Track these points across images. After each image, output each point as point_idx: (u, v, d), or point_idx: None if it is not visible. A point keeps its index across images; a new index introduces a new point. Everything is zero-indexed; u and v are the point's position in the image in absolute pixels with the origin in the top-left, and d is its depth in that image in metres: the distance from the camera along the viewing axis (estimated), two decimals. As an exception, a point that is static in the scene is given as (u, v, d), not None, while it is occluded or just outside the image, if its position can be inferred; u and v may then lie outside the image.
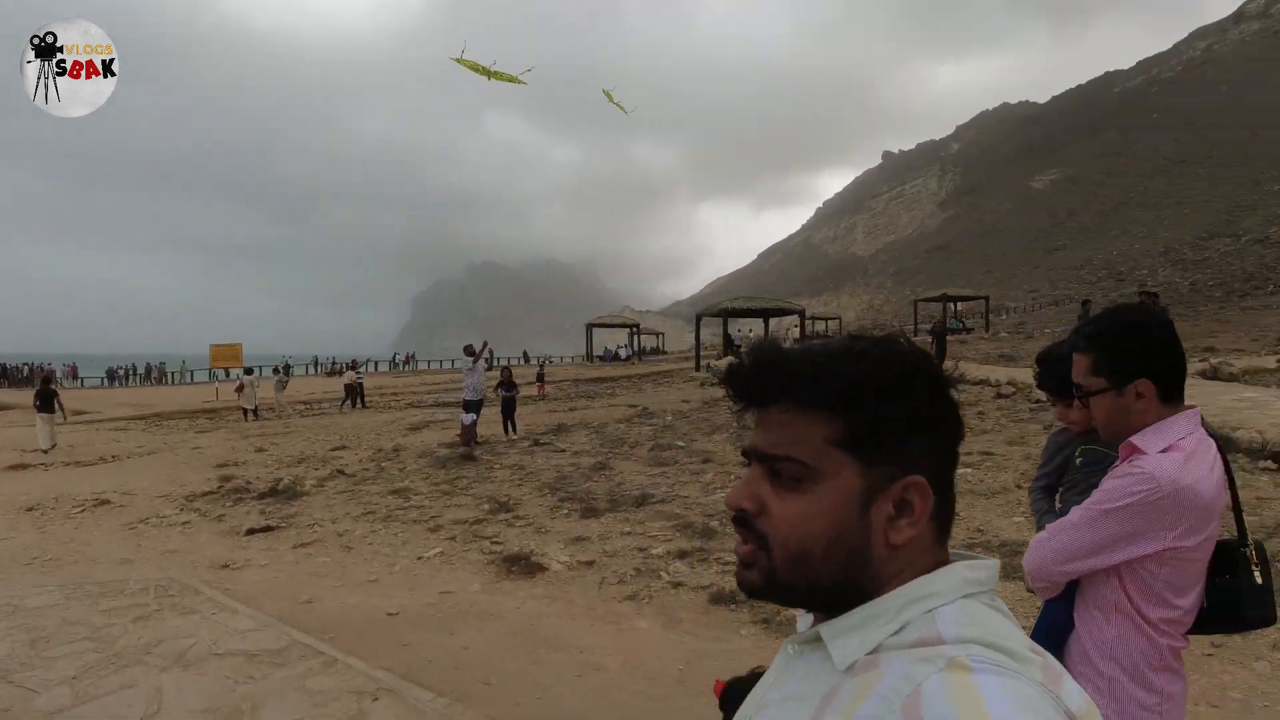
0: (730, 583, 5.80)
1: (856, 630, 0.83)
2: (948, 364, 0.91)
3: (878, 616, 0.83)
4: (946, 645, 0.77)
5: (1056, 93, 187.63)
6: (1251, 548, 1.93)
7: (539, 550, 7.26)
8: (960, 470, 0.92)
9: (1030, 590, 2.03)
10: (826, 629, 0.85)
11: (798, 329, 38.58)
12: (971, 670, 0.72)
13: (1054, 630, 1.98)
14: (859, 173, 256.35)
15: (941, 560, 0.87)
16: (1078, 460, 2.72)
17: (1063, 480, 2.83)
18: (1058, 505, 2.81)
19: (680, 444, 12.63)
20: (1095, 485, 1.92)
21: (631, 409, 18.42)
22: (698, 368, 31.53)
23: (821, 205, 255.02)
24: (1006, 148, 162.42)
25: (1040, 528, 2.47)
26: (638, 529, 7.93)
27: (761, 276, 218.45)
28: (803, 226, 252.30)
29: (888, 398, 0.84)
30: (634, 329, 55.21)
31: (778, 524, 0.85)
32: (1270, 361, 17.01)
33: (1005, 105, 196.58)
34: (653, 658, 5.04)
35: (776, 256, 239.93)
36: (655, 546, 7.24)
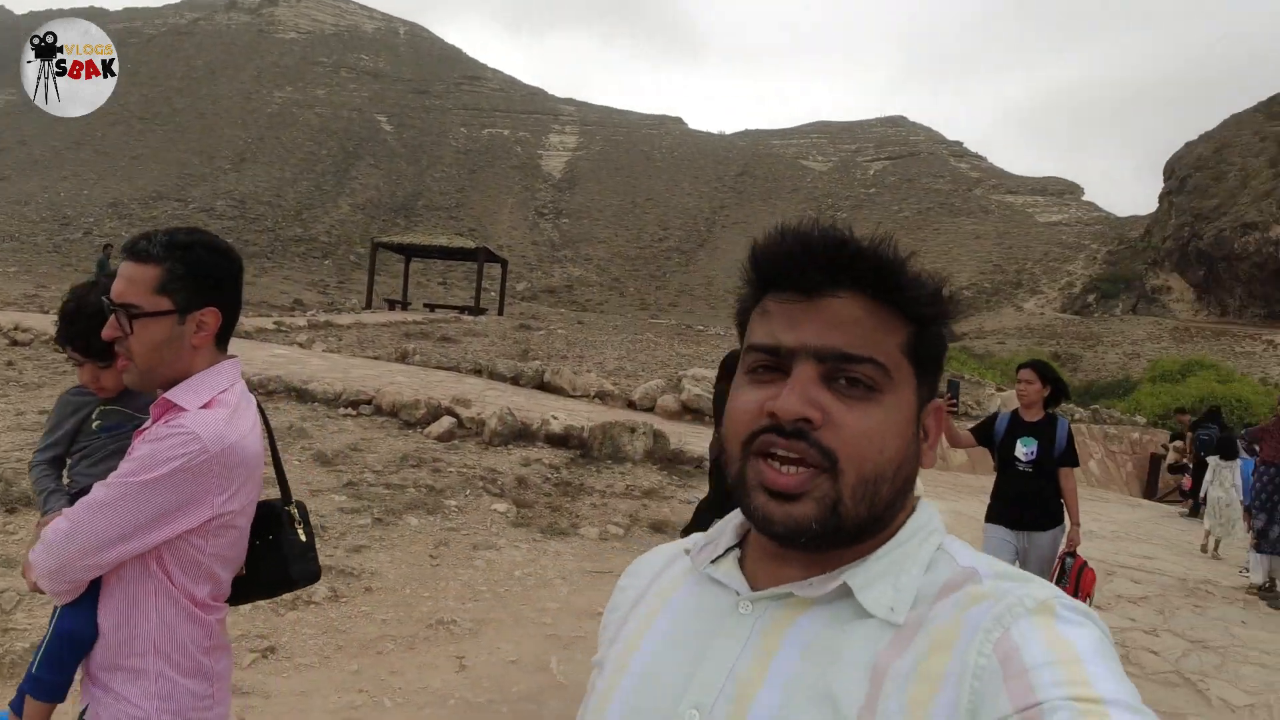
0: None
1: (888, 575, 0.75)
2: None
3: (908, 556, 0.76)
4: (985, 580, 0.72)
5: (37, 9, 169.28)
6: (295, 506, 1.89)
7: None
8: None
9: (41, 593, 1.65)
10: (855, 578, 0.74)
11: None
12: (1056, 614, 0.67)
13: (77, 643, 1.67)
14: None
15: None
16: (94, 424, 2.30)
17: (74, 449, 2.33)
18: (67, 482, 2.32)
19: None
20: (121, 452, 1.64)
21: None
22: None
23: None
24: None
25: (46, 510, 2.18)
26: None
27: None
28: None
29: (945, 310, 0.79)
30: None
31: (853, 438, 0.73)
32: (268, 323, 19.17)
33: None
34: None
35: None
36: None
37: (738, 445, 0.76)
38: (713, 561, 0.84)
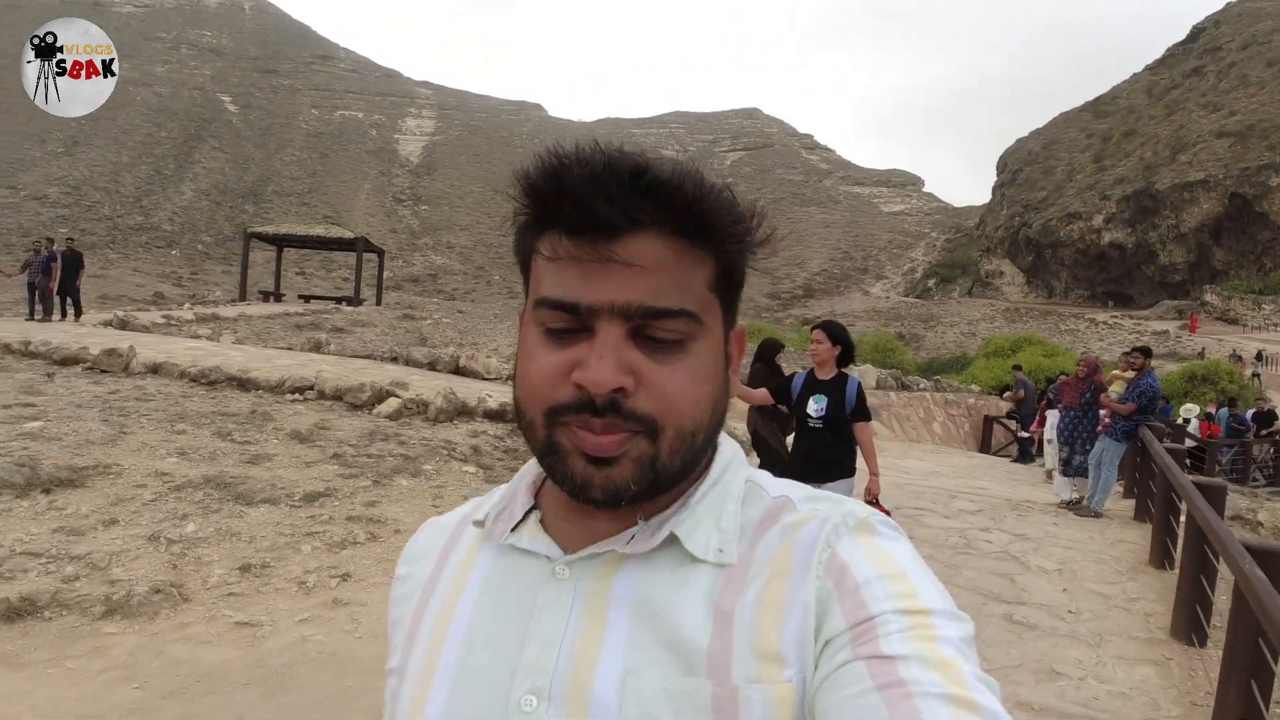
0: None
1: (709, 517, 0.72)
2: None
3: (724, 493, 0.74)
4: (800, 506, 0.73)
5: None
6: None
7: None
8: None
9: None
10: (680, 526, 0.71)
11: None
12: (876, 530, 0.69)
13: None
14: None
15: None
16: None
17: None
18: None
19: None
20: None
21: None
22: None
23: None
24: None
25: None
26: None
27: None
28: None
29: (749, 232, 0.72)
30: None
31: (669, 397, 0.68)
32: (157, 316, 19.51)
33: None
34: None
35: None
36: None
37: (540, 414, 0.69)
38: (512, 530, 0.77)
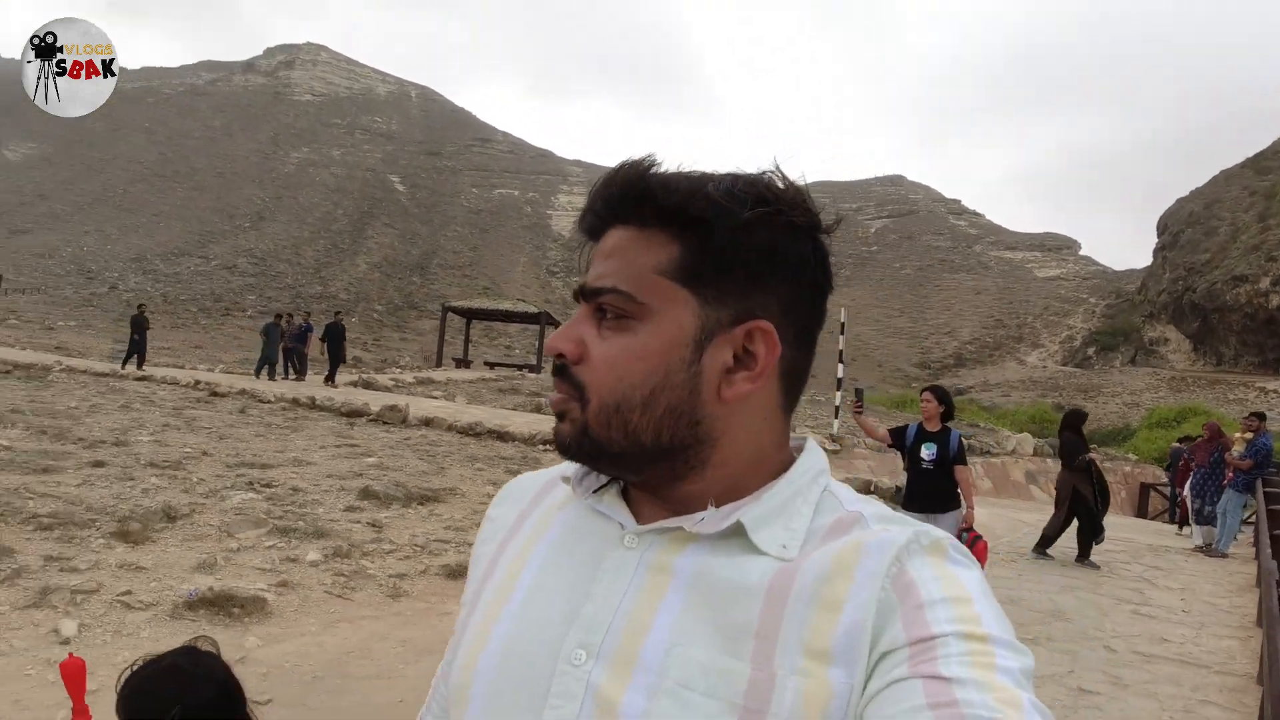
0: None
1: (780, 516, 0.74)
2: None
3: (799, 496, 0.76)
4: (871, 524, 0.74)
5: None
6: None
7: None
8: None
9: None
10: (748, 515, 0.72)
11: None
12: (948, 555, 0.70)
13: None
14: None
15: (784, 429, 0.80)
16: None
17: None
18: None
19: None
20: None
21: None
22: None
23: None
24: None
25: None
26: None
27: None
28: None
29: (736, 220, 0.72)
30: None
31: (595, 367, 0.73)
32: (408, 376, 22.36)
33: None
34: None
35: None
36: None
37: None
38: (594, 492, 0.81)
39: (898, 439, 6.74)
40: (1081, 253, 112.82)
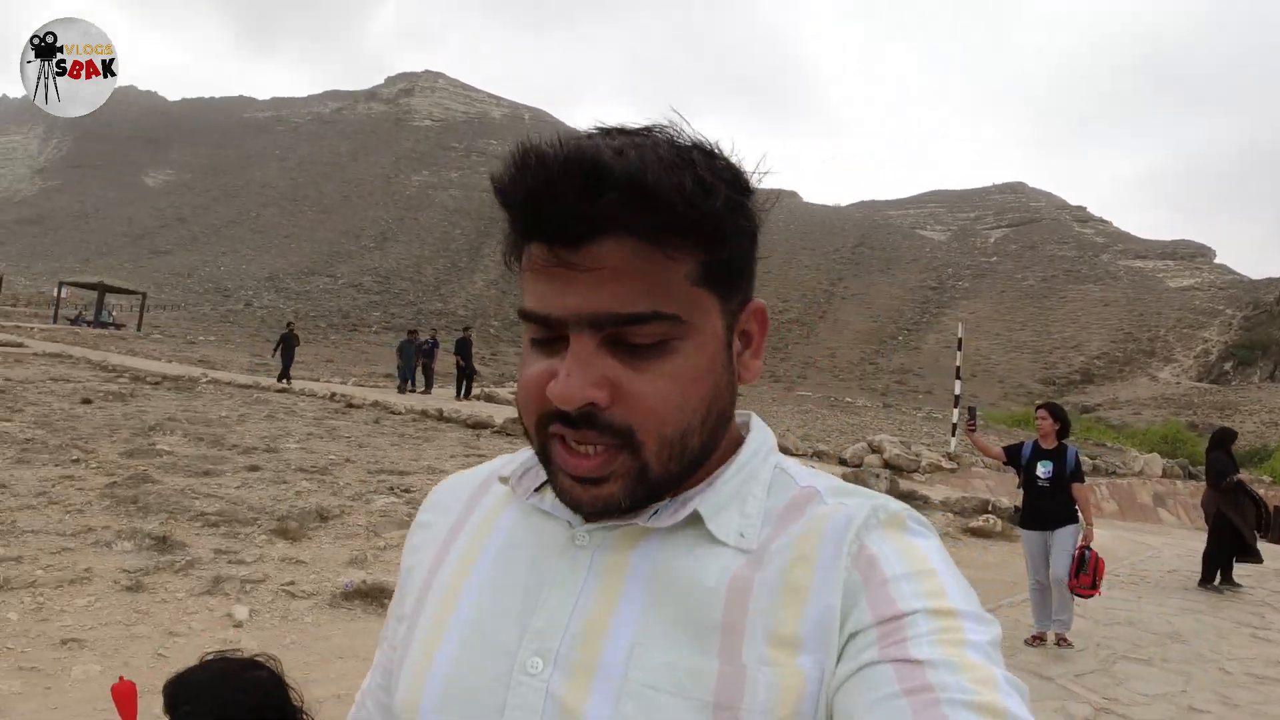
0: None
1: (734, 501, 0.70)
2: None
3: (751, 478, 0.72)
4: (828, 499, 0.70)
5: (189, 96, 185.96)
6: None
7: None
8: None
9: None
10: (704, 505, 0.69)
11: None
12: (906, 526, 0.68)
13: None
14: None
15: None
16: None
17: None
18: None
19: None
20: None
21: None
22: None
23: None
24: (125, 132, 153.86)
25: None
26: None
27: None
28: None
29: (742, 211, 0.68)
30: None
31: (647, 406, 0.65)
32: None
33: (134, 89, 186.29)
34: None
35: None
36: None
37: (532, 424, 0.68)
38: (535, 490, 0.76)
39: (1013, 457, 6.76)
40: (1216, 260, 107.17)
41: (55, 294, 48.91)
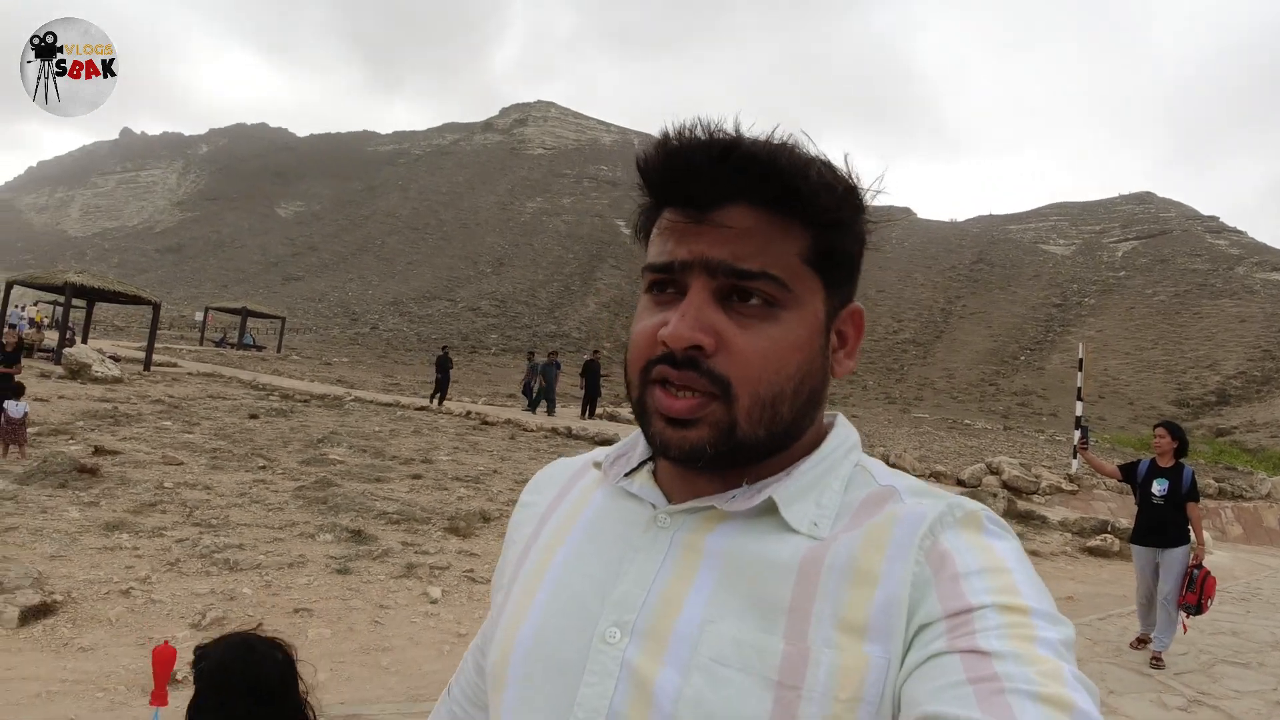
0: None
1: (811, 492, 0.74)
2: None
3: (830, 472, 0.76)
4: (905, 498, 0.72)
5: (316, 131, 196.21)
6: None
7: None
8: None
9: None
10: (779, 493, 0.72)
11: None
12: (983, 526, 0.69)
13: None
14: (90, 141, 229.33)
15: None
16: None
17: None
18: None
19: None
20: None
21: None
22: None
23: (36, 165, 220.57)
24: (257, 166, 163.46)
25: None
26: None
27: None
28: (6, 185, 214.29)
29: (856, 211, 0.75)
30: None
31: (747, 361, 0.70)
32: None
33: (265, 125, 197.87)
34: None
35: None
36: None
37: (637, 373, 0.74)
38: (626, 475, 0.82)
39: (1129, 475, 6.84)
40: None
41: (201, 318, 52.48)
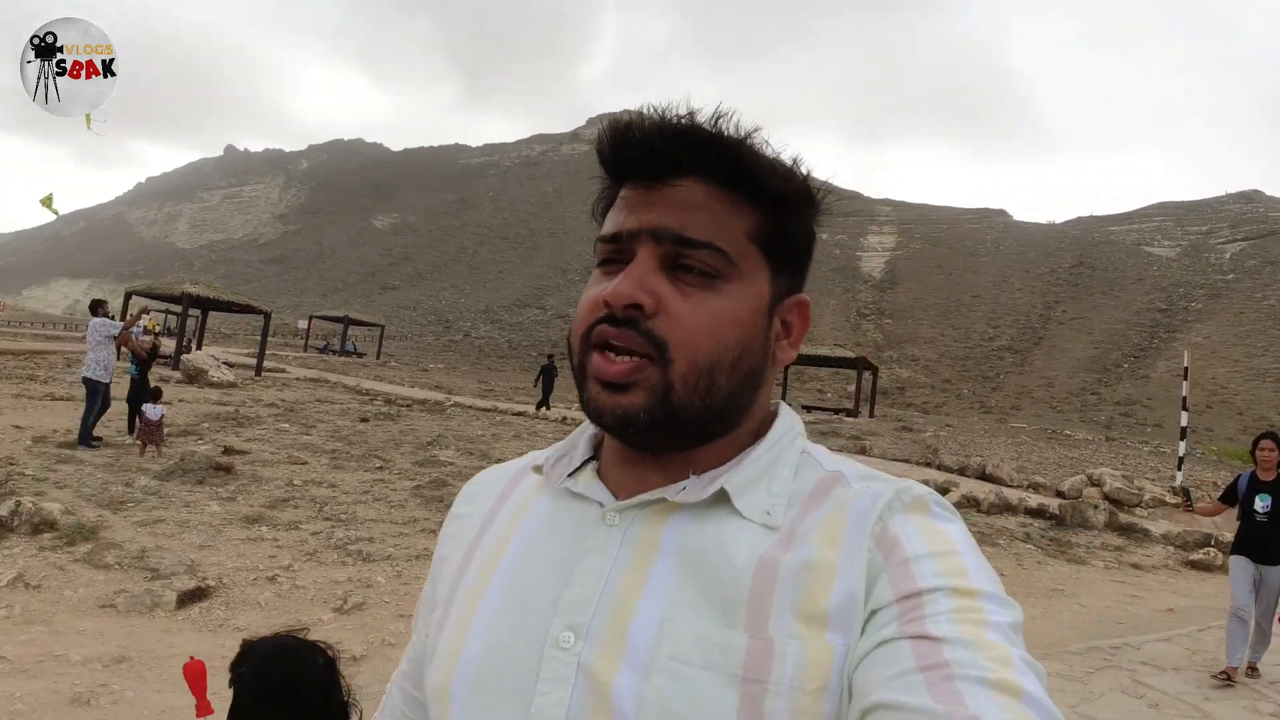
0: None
1: (762, 480, 0.74)
2: None
3: (778, 460, 0.76)
4: (853, 482, 0.73)
5: (410, 146, 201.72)
6: None
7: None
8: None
9: None
10: (730, 482, 0.72)
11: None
12: (930, 510, 0.70)
13: None
14: (196, 158, 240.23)
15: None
16: None
17: None
18: None
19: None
20: None
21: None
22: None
23: (145, 181, 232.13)
24: (354, 180, 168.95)
25: None
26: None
27: (60, 243, 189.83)
28: (117, 199, 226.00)
29: (803, 197, 0.77)
30: None
31: (686, 326, 0.71)
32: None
33: (361, 141, 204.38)
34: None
35: (80, 224, 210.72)
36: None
37: (579, 339, 0.74)
38: (569, 475, 0.80)
39: (1229, 496, 6.56)
40: None
41: (305, 325, 54.68)
